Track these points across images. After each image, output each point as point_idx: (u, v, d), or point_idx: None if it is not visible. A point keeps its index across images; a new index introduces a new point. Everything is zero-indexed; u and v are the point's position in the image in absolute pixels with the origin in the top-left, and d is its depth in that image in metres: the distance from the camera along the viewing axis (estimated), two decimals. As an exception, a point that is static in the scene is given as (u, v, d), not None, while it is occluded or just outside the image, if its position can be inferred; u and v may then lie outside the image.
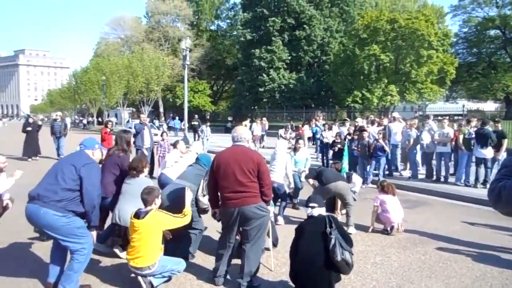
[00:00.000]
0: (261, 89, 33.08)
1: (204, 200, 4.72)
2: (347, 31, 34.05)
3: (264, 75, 32.63)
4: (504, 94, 46.20)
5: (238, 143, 4.26)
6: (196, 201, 4.76)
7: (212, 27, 53.88)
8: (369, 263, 5.00)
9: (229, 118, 52.60)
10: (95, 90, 41.96)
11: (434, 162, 11.25)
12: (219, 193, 4.21)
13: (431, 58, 27.49)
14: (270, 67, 32.94)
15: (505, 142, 9.90)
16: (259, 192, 4.05)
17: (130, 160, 5.25)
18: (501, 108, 52.73)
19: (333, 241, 3.61)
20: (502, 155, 9.90)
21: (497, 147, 9.86)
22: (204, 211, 4.83)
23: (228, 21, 52.60)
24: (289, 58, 33.63)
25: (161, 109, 47.10)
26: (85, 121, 52.26)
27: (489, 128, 10.11)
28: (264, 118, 23.81)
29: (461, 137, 10.31)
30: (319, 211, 3.97)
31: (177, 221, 4.05)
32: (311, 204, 4.00)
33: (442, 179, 10.78)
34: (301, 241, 3.82)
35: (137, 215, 3.98)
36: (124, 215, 4.70)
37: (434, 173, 11.01)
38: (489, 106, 55.92)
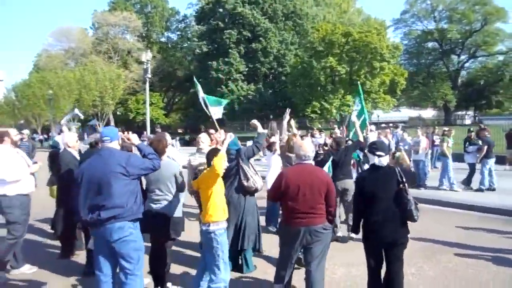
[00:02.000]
0: (220, 101, 33.06)
1: (256, 179, 5.03)
2: (301, 44, 35.06)
3: (223, 87, 32.70)
4: (443, 102, 49.53)
5: (306, 162, 4.12)
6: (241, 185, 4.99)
7: (163, 39, 53.19)
8: (408, 274, 5.18)
9: (179, 131, 52.04)
10: (40, 104, 39.77)
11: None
12: (283, 210, 4.17)
13: (383, 70, 29.01)
14: (228, 79, 33.09)
15: (485, 148, 10.75)
16: (325, 212, 4.04)
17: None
18: (439, 115, 56.52)
19: (411, 204, 3.76)
20: (485, 161, 10.75)
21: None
22: (253, 192, 5.10)
23: (179, 33, 52.21)
24: (246, 70, 34.00)
25: (112, 123, 45.52)
26: (40, 138, 44.92)
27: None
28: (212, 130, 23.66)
29: (445, 145, 11.09)
30: (386, 160, 3.92)
31: (209, 172, 3.95)
32: (378, 153, 3.88)
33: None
34: (375, 190, 3.82)
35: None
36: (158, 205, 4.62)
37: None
38: (428, 113, 59.75)
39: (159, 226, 4.64)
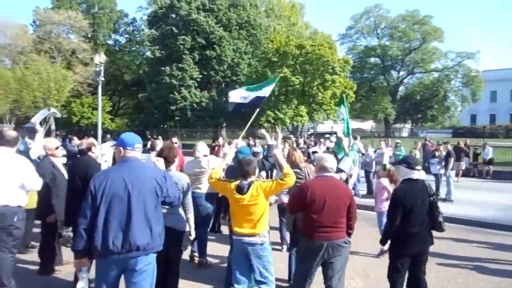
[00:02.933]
0: (173, 107, 32.49)
1: None
2: (255, 54, 35.46)
3: (176, 93, 32.17)
4: (383, 115, 52.22)
5: (329, 174, 4.16)
6: None
7: (110, 41, 51.31)
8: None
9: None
10: (-30, 104, 36.61)
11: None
12: (305, 224, 4.12)
13: (334, 82, 30.08)
14: (182, 85, 32.61)
15: (451, 161, 11.52)
16: (345, 226, 4.08)
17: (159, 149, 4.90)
18: (378, 127, 59.40)
19: (441, 217, 4.18)
20: (449, 172, 11.51)
21: (445, 165, 11.54)
22: None
23: (127, 36, 50.68)
24: (200, 76, 33.73)
25: (53, 127, 42.99)
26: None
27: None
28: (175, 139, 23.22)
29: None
30: (424, 174, 4.40)
31: (279, 184, 3.98)
32: (417, 167, 4.21)
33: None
34: (415, 204, 4.06)
35: (240, 189, 3.91)
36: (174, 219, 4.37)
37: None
38: (368, 125, 62.76)
39: (170, 242, 4.42)
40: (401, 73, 55.02)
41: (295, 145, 15.57)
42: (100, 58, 23.08)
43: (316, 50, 29.26)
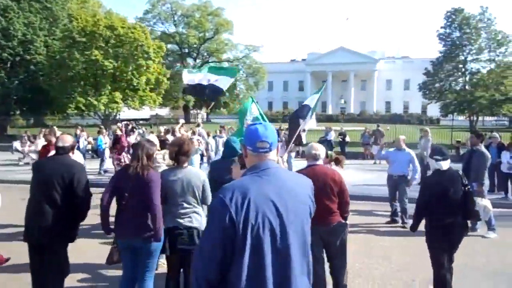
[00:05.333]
0: None
1: None
2: (51, 31, 31.02)
3: None
4: (184, 102, 53.57)
5: (318, 163, 4.23)
6: None
7: None
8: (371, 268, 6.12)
9: None
10: None
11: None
12: None
13: (149, 68, 29.17)
14: (-46, 63, 25.90)
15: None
16: (338, 210, 4.16)
17: (172, 142, 4.35)
18: (175, 113, 60.85)
19: (477, 206, 4.48)
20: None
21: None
22: None
23: None
24: (-19, 53, 27.44)
25: None
26: None
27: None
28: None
29: None
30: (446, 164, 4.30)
31: None
32: (435, 157, 4.28)
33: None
34: (446, 192, 4.12)
35: None
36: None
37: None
38: (163, 112, 63.46)
39: (193, 244, 3.93)
40: (198, 61, 57.26)
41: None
42: None
43: (129, 33, 27.77)
